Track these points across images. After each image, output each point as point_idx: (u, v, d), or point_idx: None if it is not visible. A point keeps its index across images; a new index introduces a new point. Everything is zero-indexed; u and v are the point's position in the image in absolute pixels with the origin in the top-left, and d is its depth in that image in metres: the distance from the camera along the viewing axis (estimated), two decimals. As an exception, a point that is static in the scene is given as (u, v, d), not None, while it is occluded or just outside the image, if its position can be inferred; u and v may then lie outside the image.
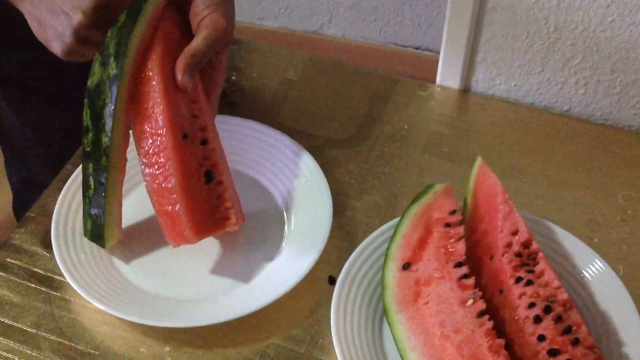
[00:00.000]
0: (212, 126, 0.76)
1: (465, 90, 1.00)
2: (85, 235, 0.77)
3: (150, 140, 0.72)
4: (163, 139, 0.71)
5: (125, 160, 0.74)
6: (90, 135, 0.72)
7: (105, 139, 0.71)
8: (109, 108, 0.70)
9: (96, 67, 0.71)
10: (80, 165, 0.82)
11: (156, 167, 0.71)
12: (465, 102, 0.98)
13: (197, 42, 0.71)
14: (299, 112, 0.95)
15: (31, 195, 0.83)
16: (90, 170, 0.73)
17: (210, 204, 0.74)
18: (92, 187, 0.73)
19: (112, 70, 0.70)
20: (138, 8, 0.71)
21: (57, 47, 0.71)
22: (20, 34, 0.75)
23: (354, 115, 0.95)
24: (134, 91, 0.72)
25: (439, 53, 0.97)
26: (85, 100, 0.72)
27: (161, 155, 0.71)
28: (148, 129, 0.72)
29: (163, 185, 0.71)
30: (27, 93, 0.99)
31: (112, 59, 0.70)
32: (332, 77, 1.00)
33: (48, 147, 1.04)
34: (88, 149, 0.73)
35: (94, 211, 0.74)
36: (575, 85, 0.95)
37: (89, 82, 0.71)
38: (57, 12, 0.68)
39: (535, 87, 0.97)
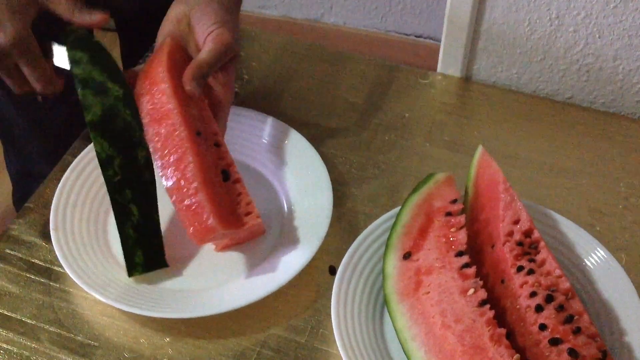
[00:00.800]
0: (222, 137, 0.77)
1: (466, 78, 0.99)
2: (134, 272, 0.73)
3: (165, 138, 0.72)
4: (178, 132, 0.72)
5: None
6: (117, 161, 0.72)
7: (142, 153, 0.72)
8: (136, 121, 0.72)
9: (90, 100, 0.72)
10: (79, 156, 0.82)
11: (174, 159, 0.71)
12: (466, 91, 0.97)
13: (203, 54, 0.73)
14: (299, 101, 0.95)
15: (31, 186, 0.83)
16: (129, 197, 0.72)
17: (231, 200, 0.74)
18: (136, 213, 0.72)
19: (117, 91, 0.73)
20: (95, 45, 0.75)
21: None
22: None
23: (355, 103, 0.94)
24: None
25: (440, 41, 0.97)
26: (93, 135, 0.72)
27: (178, 150, 0.71)
28: (163, 130, 0.72)
29: (182, 176, 0.71)
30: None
31: (109, 84, 0.72)
32: (333, 65, 0.99)
33: (46, 138, 1.04)
34: (118, 178, 0.72)
35: (146, 237, 0.73)
36: (577, 73, 0.94)
37: (90, 117, 0.72)
38: None
39: (537, 75, 0.96)
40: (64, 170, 0.81)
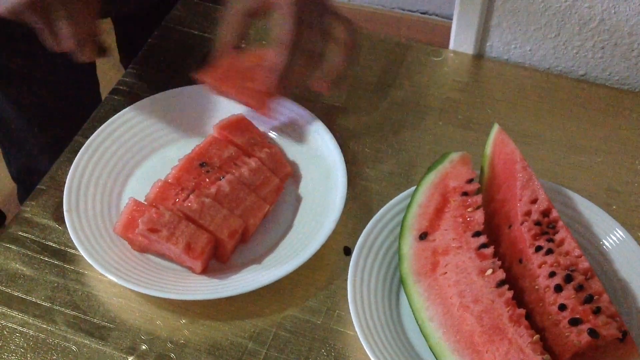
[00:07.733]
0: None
1: (479, 55, 0.98)
2: None
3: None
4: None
5: None
6: None
7: None
8: None
9: None
10: (90, 137, 0.81)
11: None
12: (479, 68, 0.96)
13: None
14: (310, 80, 0.93)
15: (33, 183, 0.82)
16: None
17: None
18: None
19: None
20: None
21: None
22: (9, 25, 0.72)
23: (366, 82, 0.93)
24: None
25: (446, 18, 0.95)
26: None
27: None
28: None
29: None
30: (21, 81, 0.96)
31: None
32: (343, 43, 0.98)
33: (46, 134, 1.01)
34: None
35: None
36: (592, 49, 0.93)
37: None
38: None
39: (551, 52, 0.95)
40: (75, 152, 0.80)
